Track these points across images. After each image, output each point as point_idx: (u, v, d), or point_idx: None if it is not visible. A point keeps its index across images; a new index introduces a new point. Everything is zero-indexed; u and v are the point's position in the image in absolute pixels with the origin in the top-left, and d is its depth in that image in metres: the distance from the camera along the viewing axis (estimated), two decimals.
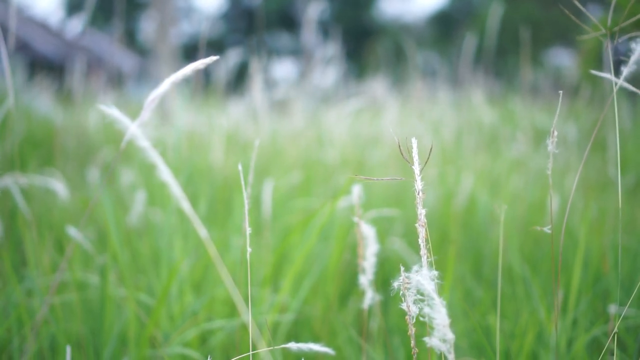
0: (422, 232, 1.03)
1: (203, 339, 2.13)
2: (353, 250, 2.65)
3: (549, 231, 1.18)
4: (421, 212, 1.03)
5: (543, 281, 2.42)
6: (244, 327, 2.01)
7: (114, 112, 0.92)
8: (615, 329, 1.18)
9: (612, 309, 1.81)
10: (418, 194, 1.03)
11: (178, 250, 2.24)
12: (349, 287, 2.61)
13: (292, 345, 1.02)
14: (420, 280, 0.97)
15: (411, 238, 2.98)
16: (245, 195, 1.11)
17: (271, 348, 1.09)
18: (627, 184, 3.60)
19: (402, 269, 1.03)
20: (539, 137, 5.01)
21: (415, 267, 1.01)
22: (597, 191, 3.29)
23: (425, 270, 1.00)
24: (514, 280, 2.49)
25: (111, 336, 1.90)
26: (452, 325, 2.07)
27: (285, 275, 2.17)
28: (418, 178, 1.02)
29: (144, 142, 0.89)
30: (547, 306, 2.00)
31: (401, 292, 1.03)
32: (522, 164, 4.15)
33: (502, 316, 2.22)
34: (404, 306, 1.03)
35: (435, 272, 1.00)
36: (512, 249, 2.59)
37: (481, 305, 2.21)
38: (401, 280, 1.03)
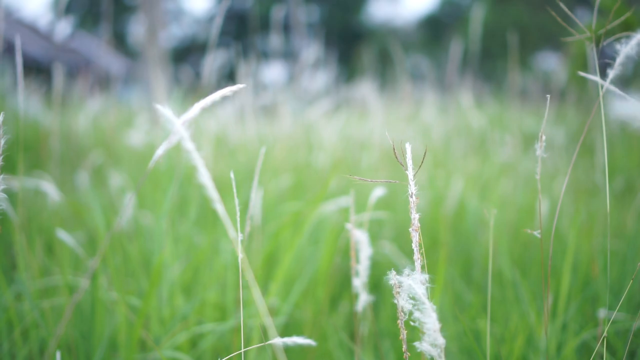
0: (415, 237, 1.03)
1: (193, 343, 2.12)
2: (344, 253, 2.65)
3: (539, 235, 1.19)
4: (415, 216, 1.03)
5: (532, 285, 2.43)
6: (235, 331, 2.00)
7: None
8: (605, 333, 1.18)
9: (602, 313, 1.82)
10: (411, 198, 1.02)
11: (169, 254, 2.24)
12: (340, 291, 2.61)
13: (277, 341, 1.02)
14: (412, 284, 0.97)
15: (401, 242, 2.98)
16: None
17: (259, 345, 1.09)
18: (616, 188, 3.62)
19: (393, 272, 1.03)
20: (528, 141, 5.02)
21: (406, 271, 1.01)
22: (586, 195, 3.31)
23: (417, 274, 1.00)
24: (504, 284, 2.49)
25: (102, 340, 1.90)
26: (442, 329, 2.07)
27: (275, 277, 2.17)
28: (412, 182, 1.02)
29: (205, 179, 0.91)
30: (536, 310, 2.00)
31: (394, 296, 1.03)
32: (511, 167, 4.16)
33: (492, 320, 2.23)
34: (399, 308, 1.03)
35: (427, 276, 1.00)
36: (501, 252, 2.60)
37: (471, 309, 2.22)
38: (393, 283, 1.03)
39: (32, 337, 1.93)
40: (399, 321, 1.04)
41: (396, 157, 1.05)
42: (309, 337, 2.22)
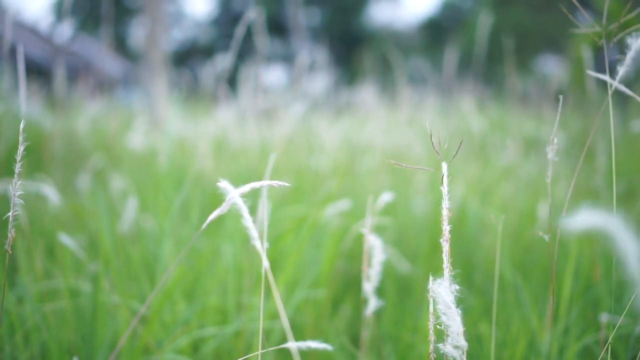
0: (446, 247, 1.07)
1: (195, 347, 2.12)
2: (346, 257, 2.65)
3: (547, 238, 1.21)
4: (446, 228, 1.08)
5: (534, 289, 2.43)
6: (236, 335, 2.01)
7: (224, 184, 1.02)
8: (610, 339, 1.18)
9: (604, 317, 1.82)
10: (444, 211, 1.08)
11: (171, 258, 2.24)
12: (341, 294, 2.61)
13: (291, 345, 1.05)
14: (442, 291, 1.03)
15: (402, 246, 2.98)
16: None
17: (274, 348, 1.10)
18: (617, 192, 3.62)
19: (431, 278, 1.08)
20: (529, 144, 5.03)
21: (438, 280, 1.06)
22: (587, 199, 3.30)
23: (446, 282, 1.05)
24: (505, 288, 2.49)
25: (103, 344, 1.89)
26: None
27: (277, 281, 2.17)
28: (446, 197, 1.09)
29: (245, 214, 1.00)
30: (538, 314, 2.00)
31: (430, 302, 1.07)
32: (512, 171, 4.16)
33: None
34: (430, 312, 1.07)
35: (457, 286, 1.04)
36: (502, 256, 2.60)
37: (472, 312, 2.22)
38: (429, 290, 1.07)
39: (33, 341, 1.93)
40: (429, 323, 1.08)
41: (439, 157, 1.06)
42: (311, 340, 2.22)
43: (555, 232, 1.45)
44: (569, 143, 4.72)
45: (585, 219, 0.74)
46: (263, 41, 3.54)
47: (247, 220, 0.99)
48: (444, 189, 1.09)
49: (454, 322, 1.01)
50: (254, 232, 0.98)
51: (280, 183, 1.08)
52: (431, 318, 1.08)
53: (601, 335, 1.84)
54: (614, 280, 1.20)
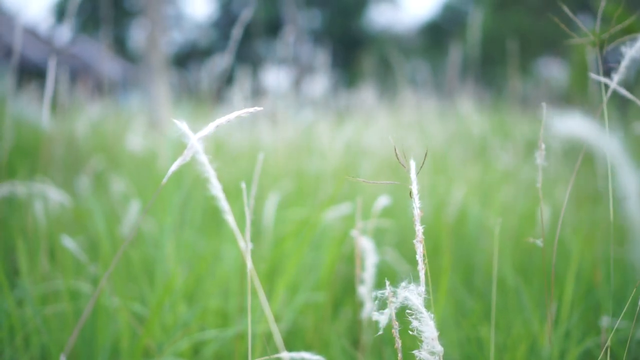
0: (419, 248, 1.04)
1: (196, 350, 2.12)
2: (346, 260, 2.64)
3: (541, 244, 1.20)
4: (419, 228, 1.04)
5: (535, 292, 2.42)
6: (237, 338, 2.00)
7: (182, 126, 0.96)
8: (608, 342, 1.18)
9: (604, 321, 1.82)
10: (415, 211, 1.04)
11: (171, 261, 2.24)
12: (342, 297, 2.61)
13: (285, 355, 1.03)
14: (408, 295, 0.99)
15: (403, 248, 2.98)
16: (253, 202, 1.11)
17: (265, 358, 1.09)
18: (618, 194, 3.61)
19: (387, 282, 1.04)
20: (529, 147, 5.02)
21: (403, 283, 1.02)
22: (588, 202, 3.30)
23: (412, 285, 1.01)
24: (506, 291, 2.49)
25: (103, 346, 1.89)
26: (444, 336, 2.07)
27: (278, 284, 2.17)
28: (416, 197, 1.04)
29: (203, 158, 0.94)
30: (539, 318, 2.00)
31: (388, 306, 1.04)
32: (512, 174, 4.16)
33: (494, 327, 2.23)
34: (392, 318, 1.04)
35: (423, 288, 1.01)
36: (503, 259, 2.60)
37: (473, 315, 2.21)
38: (386, 294, 1.04)
39: (33, 344, 1.93)
40: (393, 330, 1.05)
41: (402, 165, 1.06)
42: (311, 344, 2.22)
43: (553, 236, 1.45)
44: (570, 146, 4.72)
45: (572, 125, 0.72)
46: (261, 44, 3.54)
47: (215, 186, 0.93)
48: (414, 189, 1.05)
49: (427, 326, 0.97)
50: (225, 205, 0.93)
51: (251, 110, 1.01)
52: (395, 324, 1.05)
53: (602, 338, 1.84)
54: (612, 283, 1.20)
